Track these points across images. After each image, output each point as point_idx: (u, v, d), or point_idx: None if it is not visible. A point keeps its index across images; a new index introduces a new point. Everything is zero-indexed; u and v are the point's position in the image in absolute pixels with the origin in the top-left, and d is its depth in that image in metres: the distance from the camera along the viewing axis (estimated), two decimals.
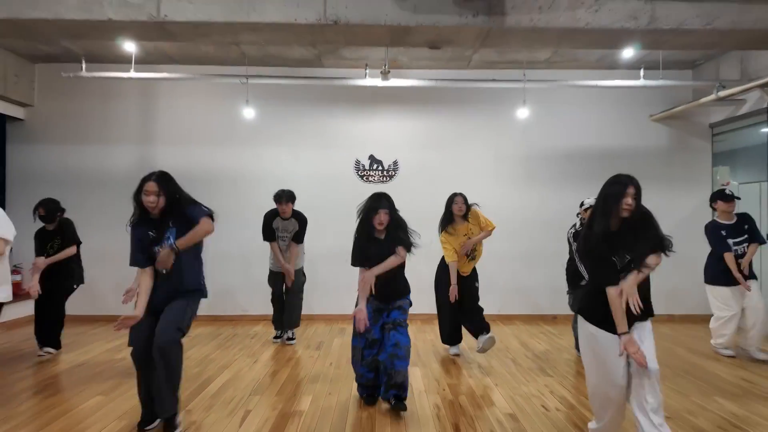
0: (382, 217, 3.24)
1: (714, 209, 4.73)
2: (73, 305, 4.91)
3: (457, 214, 4.48)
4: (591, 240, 2.46)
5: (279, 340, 5.11)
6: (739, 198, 4.58)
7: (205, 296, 3.09)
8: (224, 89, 6.15)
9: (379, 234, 3.32)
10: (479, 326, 4.53)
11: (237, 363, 4.35)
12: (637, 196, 2.44)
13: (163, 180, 2.89)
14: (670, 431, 2.33)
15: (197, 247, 3.01)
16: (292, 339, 5.07)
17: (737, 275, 4.36)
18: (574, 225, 4.41)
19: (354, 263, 3.35)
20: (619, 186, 2.41)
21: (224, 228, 6.17)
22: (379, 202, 3.27)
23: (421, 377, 3.95)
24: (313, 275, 5.40)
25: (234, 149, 6.29)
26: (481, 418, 3.15)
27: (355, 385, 3.57)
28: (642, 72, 5.53)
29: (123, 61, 5.94)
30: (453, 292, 4.38)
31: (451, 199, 4.52)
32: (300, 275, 5.08)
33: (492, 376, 4.01)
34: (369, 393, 3.41)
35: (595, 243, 2.43)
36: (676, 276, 6.12)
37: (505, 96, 6.10)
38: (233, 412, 3.22)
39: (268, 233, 4.98)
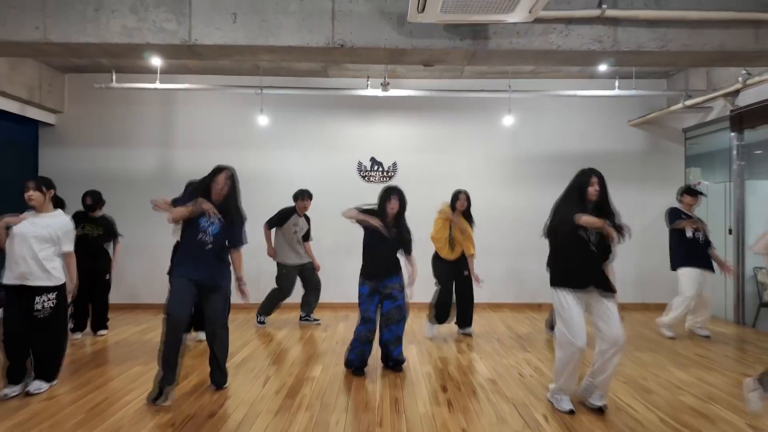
0: (392, 205, 3.87)
1: (680, 202, 5.25)
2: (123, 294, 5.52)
3: (458, 209, 5.05)
4: (560, 214, 3.10)
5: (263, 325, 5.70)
6: (704, 195, 5.14)
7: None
8: (238, 98, 6.73)
9: (389, 220, 3.90)
10: (465, 319, 5.17)
11: (254, 342, 4.95)
12: (601, 184, 3.08)
13: (234, 178, 3.64)
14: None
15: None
16: (318, 319, 5.83)
17: (687, 222, 4.97)
18: None
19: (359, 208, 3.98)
20: (585, 177, 3.20)
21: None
22: (392, 191, 3.94)
23: (416, 353, 4.54)
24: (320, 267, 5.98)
25: (247, 152, 6.87)
26: (466, 383, 3.74)
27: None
28: (617, 82, 6.11)
29: (146, 71, 6.54)
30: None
31: (456, 196, 5.11)
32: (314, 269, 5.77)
33: (477, 352, 4.60)
34: (354, 365, 3.93)
35: (564, 215, 3.10)
36: (650, 266, 6.73)
37: (494, 104, 6.68)
38: (256, 377, 3.81)
39: (281, 220, 5.59)
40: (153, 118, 6.94)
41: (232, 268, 3.65)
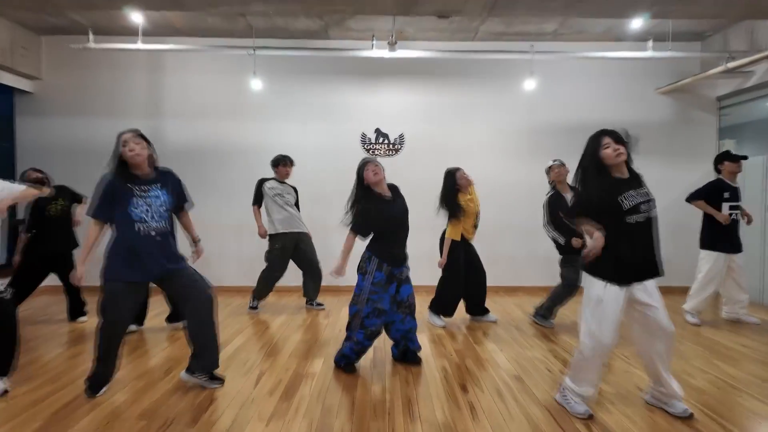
0: (377, 172, 3.28)
1: (719, 171, 4.71)
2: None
3: (464, 185, 4.49)
4: (585, 195, 2.62)
5: (255, 310, 5.25)
6: (746, 157, 4.60)
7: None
8: (232, 62, 6.15)
9: (386, 195, 3.36)
10: (479, 307, 4.74)
11: (249, 329, 4.49)
12: (619, 141, 2.58)
13: (144, 137, 3.00)
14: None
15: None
16: (322, 304, 5.37)
17: (719, 215, 4.49)
18: (549, 193, 4.53)
19: (359, 231, 3.31)
20: (594, 140, 2.66)
21: (233, 200, 6.31)
22: (365, 161, 3.38)
23: (428, 342, 4.08)
24: (320, 247, 5.48)
25: (241, 122, 6.32)
26: (488, 379, 3.28)
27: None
28: (650, 43, 5.50)
29: (129, 33, 5.94)
30: (442, 263, 4.50)
31: (453, 173, 4.49)
32: (313, 245, 5.24)
33: (497, 342, 4.13)
34: (350, 362, 3.42)
35: (591, 196, 2.60)
36: (676, 247, 6.21)
37: (511, 68, 6.10)
38: (249, 372, 3.36)
39: (259, 191, 5.16)
40: (139, 85, 6.37)
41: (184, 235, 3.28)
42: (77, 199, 4.74)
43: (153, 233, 2.87)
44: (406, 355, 3.55)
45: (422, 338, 4.14)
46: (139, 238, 2.83)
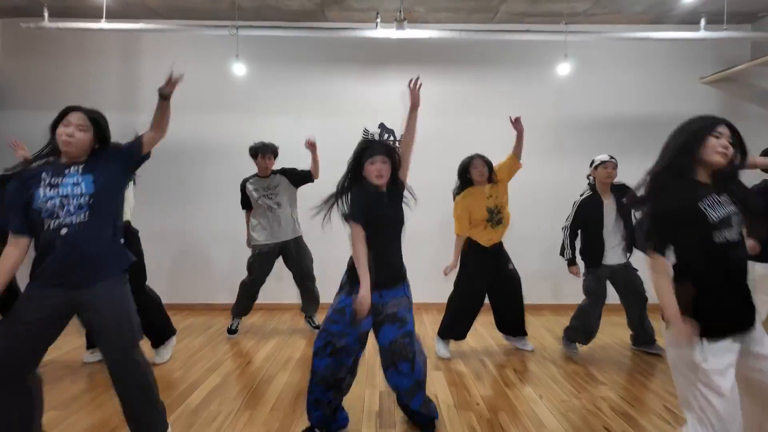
0: (380, 169, 2.42)
1: None
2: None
3: (478, 180, 3.76)
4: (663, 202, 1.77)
5: (234, 335, 4.42)
6: None
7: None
8: (215, 48, 5.36)
9: (383, 188, 2.49)
10: (515, 326, 3.94)
11: (226, 365, 3.69)
12: (737, 141, 1.77)
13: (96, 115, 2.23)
14: None
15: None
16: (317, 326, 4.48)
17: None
18: (584, 193, 3.85)
19: (355, 218, 2.38)
20: (705, 122, 1.82)
21: (217, 204, 5.55)
22: (376, 147, 2.49)
23: (448, 385, 3.28)
24: (320, 257, 4.69)
25: (227, 116, 5.54)
26: None
27: (368, 394, 2.91)
28: (703, 23, 4.71)
29: (97, 15, 5.16)
30: (447, 271, 3.77)
31: (468, 163, 3.82)
32: (305, 250, 4.41)
33: (533, 384, 3.33)
34: (321, 425, 2.48)
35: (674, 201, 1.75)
36: None
37: (537, 52, 5.32)
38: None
39: (243, 194, 4.41)
40: (111, 75, 5.59)
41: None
42: None
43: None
44: (412, 416, 2.65)
45: (439, 379, 3.35)
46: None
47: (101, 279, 2.09)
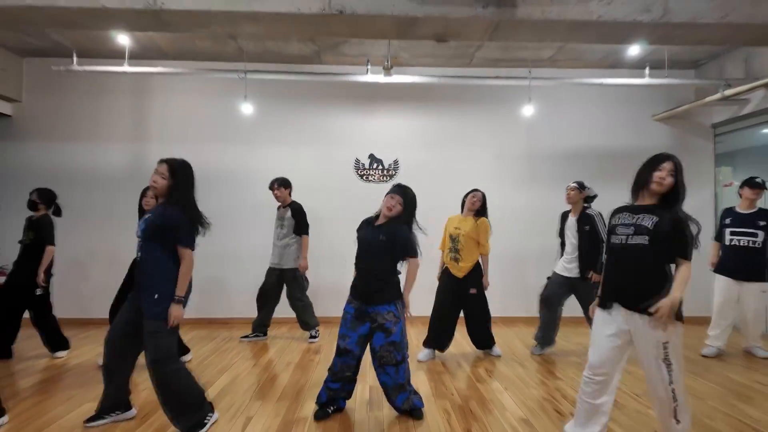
0: (389, 202, 3.08)
1: (740, 196, 4.61)
2: (63, 308, 4.76)
3: (469, 207, 4.39)
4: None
5: (246, 338, 5.07)
6: (766, 188, 4.50)
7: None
8: (221, 86, 5.98)
9: (380, 222, 3.13)
10: (481, 339, 4.52)
11: (235, 366, 4.19)
12: (676, 173, 2.38)
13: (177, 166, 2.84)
14: None
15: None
16: (314, 337, 5.08)
17: (712, 261, 4.63)
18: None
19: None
20: (654, 160, 2.49)
21: (221, 227, 6.05)
22: (395, 188, 3.17)
23: (428, 381, 3.82)
24: (312, 276, 5.24)
25: (231, 147, 6.12)
26: (494, 424, 3.02)
27: (360, 388, 3.44)
28: (647, 70, 5.45)
29: (115, 56, 5.77)
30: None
31: (469, 193, 4.50)
32: (295, 277, 4.96)
33: (499, 379, 3.88)
34: (321, 404, 3.11)
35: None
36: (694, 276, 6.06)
37: (508, 94, 6.02)
38: (234, 419, 3.06)
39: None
40: (123, 109, 6.16)
41: None
42: (42, 240, 4.34)
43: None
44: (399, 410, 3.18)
45: (421, 377, 3.89)
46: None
47: None
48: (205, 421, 2.82)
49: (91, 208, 6.00)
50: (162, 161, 2.83)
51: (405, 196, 3.14)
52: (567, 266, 4.36)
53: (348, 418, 3.10)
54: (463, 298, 4.39)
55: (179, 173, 2.81)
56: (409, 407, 3.09)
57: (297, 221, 4.91)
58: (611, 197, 2.55)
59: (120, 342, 2.82)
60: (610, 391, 2.53)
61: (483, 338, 4.52)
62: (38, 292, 4.30)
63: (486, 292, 4.48)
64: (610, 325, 2.47)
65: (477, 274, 4.41)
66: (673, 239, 2.35)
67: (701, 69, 6.25)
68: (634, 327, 2.40)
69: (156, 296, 2.67)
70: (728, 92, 5.23)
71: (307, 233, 4.94)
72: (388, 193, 3.15)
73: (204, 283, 5.93)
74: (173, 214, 2.73)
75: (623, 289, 2.45)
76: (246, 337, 5.07)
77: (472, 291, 4.38)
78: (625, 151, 6.20)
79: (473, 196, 4.42)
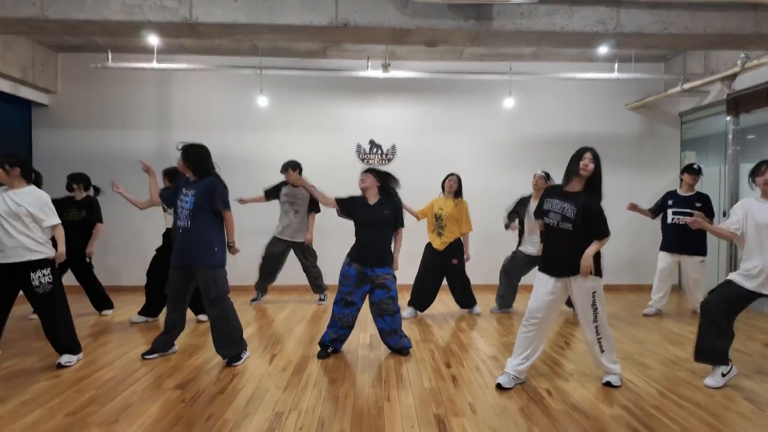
0: (363, 179, 3.83)
1: (681, 181, 5.36)
2: (105, 275, 5.56)
3: (448, 190, 5.11)
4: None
5: (255, 302, 5.88)
6: (701, 174, 5.23)
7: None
8: (236, 78, 6.66)
9: (371, 200, 3.85)
10: (463, 300, 5.30)
11: (256, 322, 4.99)
12: (595, 161, 3.09)
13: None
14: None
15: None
16: (323, 300, 5.93)
17: (637, 210, 5.26)
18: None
19: (340, 201, 3.90)
20: (579, 152, 3.19)
21: (235, 206, 6.80)
22: (366, 170, 3.90)
23: (419, 331, 4.62)
24: (321, 250, 6.00)
25: (245, 134, 6.83)
26: (468, 359, 3.82)
27: (362, 334, 4.24)
28: (616, 65, 6.14)
29: (142, 51, 6.44)
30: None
31: (446, 177, 5.21)
32: (308, 248, 5.74)
33: (478, 330, 4.69)
34: (323, 345, 3.84)
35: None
36: (643, 248, 6.85)
37: (493, 86, 6.70)
38: (262, 355, 3.86)
39: (271, 191, 5.77)
40: (149, 99, 6.86)
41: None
42: (95, 217, 5.17)
43: (180, 229, 3.57)
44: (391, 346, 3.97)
45: (413, 328, 4.69)
46: (176, 229, 3.60)
47: None
48: (242, 355, 3.63)
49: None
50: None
51: (373, 171, 3.90)
52: (530, 247, 5.09)
53: (354, 356, 3.89)
54: (445, 267, 5.17)
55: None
56: (399, 347, 3.88)
57: (311, 200, 5.64)
58: None
59: (180, 298, 3.65)
60: (541, 337, 3.23)
61: (464, 299, 5.32)
62: (88, 260, 5.08)
63: (471, 263, 5.27)
64: (548, 282, 3.17)
65: (456, 247, 5.16)
66: (591, 224, 3.05)
67: (669, 63, 6.91)
68: (572, 285, 3.13)
69: (216, 248, 3.54)
70: (687, 86, 5.92)
71: (319, 211, 5.69)
72: (361, 175, 3.91)
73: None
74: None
75: (559, 263, 3.14)
76: (255, 300, 5.88)
77: (454, 261, 5.15)
78: (601, 138, 6.87)
79: (450, 180, 5.15)
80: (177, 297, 3.69)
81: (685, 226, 5.07)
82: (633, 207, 5.20)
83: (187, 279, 3.63)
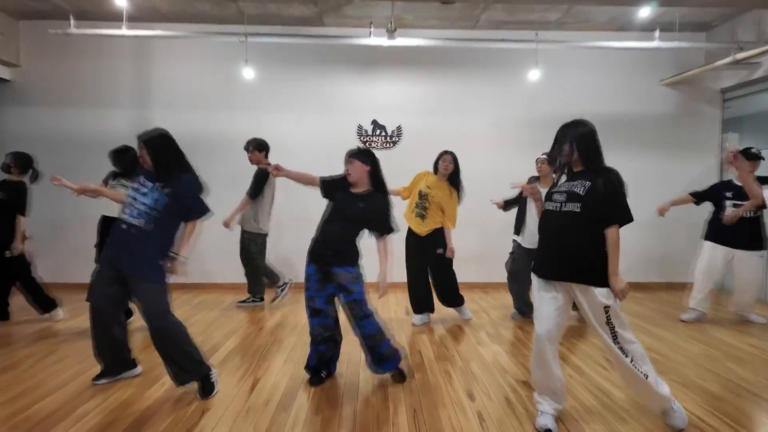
0: (350, 167, 3.04)
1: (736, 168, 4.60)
2: (65, 272, 4.85)
3: (442, 172, 4.33)
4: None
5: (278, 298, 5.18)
6: (763, 158, 4.48)
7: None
8: (222, 49, 5.89)
9: (357, 190, 3.09)
10: (449, 298, 4.54)
11: (242, 330, 4.31)
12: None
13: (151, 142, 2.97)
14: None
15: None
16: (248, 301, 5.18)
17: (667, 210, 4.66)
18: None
19: (324, 179, 3.16)
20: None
21: (223, 194, 6.08)
22: (354, 152, 3.11)
23: (429, 344, 3.93)
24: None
25: (232, 113, 6.09)
26: (494, 385, 3.13)
27: (362, 350, 3.55)
28: (657, 33, 5.33)
29: (114, 18, 5.66)
30: None
31: (440, 156, 4.39)
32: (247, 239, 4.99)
33: (501, 343, 3.99)
34: (314, 370, 3.14)
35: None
36: (677, 243, 6.14)
37: (513, 58, 5.91)
38: (243, 379, 3.18)
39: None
40: (125, 74, 6.10)
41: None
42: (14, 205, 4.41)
43: (125, 226, 2.81)
44: (381, 369, 3.16)
45: (424, 340, 4.00)
46: (118, 223, 2.87)
47: None
48: (212, 377, 2.93)
49: (91, 173, 5.93)
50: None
51: (361, 155, 3.09)
52: (532, 240, 4.33)
53: (354, 379, 3.20)
54: (427, 255, 4.40)
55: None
56: (388, 351, 3.09)
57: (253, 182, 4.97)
58: (615, 164, 2.55)
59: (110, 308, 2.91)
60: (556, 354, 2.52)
61: (448, 296, 4.55)
62: (7, 254, 4.35)
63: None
64: (548, 292, 2.48)
65: (439, 235, 4.39)
66: (609, 204, 2.35)
67: (712, 32, 6.11)
68: (577, 294, 2.41)
69: (160, 262, 2.81)
70: (740, 56, 5.13)
71: None
72: (347, 160, 3.09)
73: (209, 250, 6.00)
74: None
75: (558, 260, 2.43)
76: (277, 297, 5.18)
77: (439, 251, 4.38)
78: (632, 118, 6.13)
79: (444, 160, 4.32)
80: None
81: (746, 218, 4.38)
82: (664, 210, 4.65)
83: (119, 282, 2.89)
